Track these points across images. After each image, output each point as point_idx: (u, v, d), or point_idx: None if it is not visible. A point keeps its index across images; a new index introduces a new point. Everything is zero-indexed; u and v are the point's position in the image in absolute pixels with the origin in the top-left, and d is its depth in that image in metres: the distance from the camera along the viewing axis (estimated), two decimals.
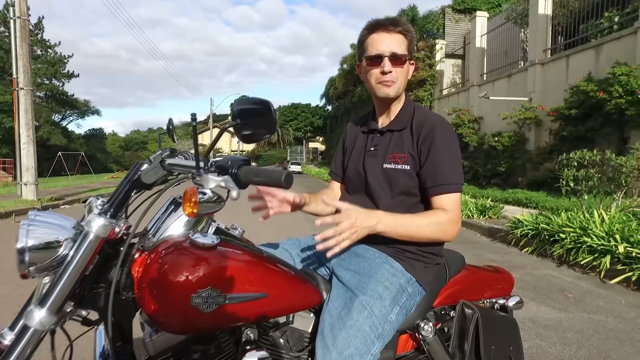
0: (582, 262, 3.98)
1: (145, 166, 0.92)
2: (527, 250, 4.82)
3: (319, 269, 1.25)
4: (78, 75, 33.25)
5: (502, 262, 4.39)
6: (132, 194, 0.92)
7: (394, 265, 1.13)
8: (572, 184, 4.80)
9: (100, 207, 0.88)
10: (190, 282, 0.83)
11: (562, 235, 4.40)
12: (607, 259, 3.78)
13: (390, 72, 1.19)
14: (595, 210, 4.57)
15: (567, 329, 2.60)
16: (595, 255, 3.95)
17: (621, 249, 3.76)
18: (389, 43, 1.18)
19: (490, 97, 10.75)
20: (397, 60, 1.18)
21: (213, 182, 0.76)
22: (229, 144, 59.09)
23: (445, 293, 1.34)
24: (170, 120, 1.18)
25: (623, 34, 8.60)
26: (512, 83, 11.81)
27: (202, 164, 0.79)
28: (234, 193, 0.73)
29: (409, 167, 1.17)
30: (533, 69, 10.78)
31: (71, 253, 0.81)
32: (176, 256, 0.86)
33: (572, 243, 4.24)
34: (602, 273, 3.74)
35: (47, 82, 31.55)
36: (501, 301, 1.49)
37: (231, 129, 0.80)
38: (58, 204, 9.32)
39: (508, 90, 11.79)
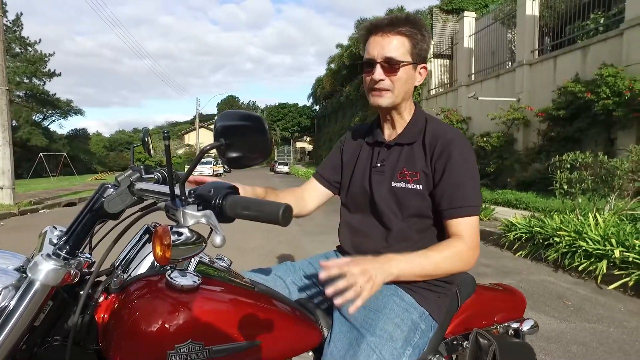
0: (578, 267, 3.91)
1: (109, 191, 0.76)
2: (521, 254, 4.75)
3: (317, 299, 1.10)
4: (60, 74, 32.41)
5: (497, 267, 4.31)
6: (96, 224, 0.76)
7: (404, 297, 0.99)
8: (565, 187, 4.74)
9: (54, 242, 0.72)
10: (166, 336, 0.68)
11: (557, 239, 4.34)
12: (604, 264, 3.71)
13: (382, 80, 1.04)
14: (589, 214, 4.52)
15: (571, 341, 2.50)
16: (591, 260, 3.88)
17: (617, 253, 3.69)
18: (382, 47, 1.04)
19: (479, 98, 10.75)
20: (391, 66, 1.04)
21: (191, 218, 0.60)
22: None
23: (456, 321, 1.21)
24: (146, 131, 1.02)
25: (609, 36, 8.65)
26: (500, 83, 11.83)
27: (177, 192, 0.63)
28: (217, 239, 0.57)
29: (421, 187, 1.03)
30: (521, 70, 10.82)
31: (12, 304, 0.64)
32: (149, 302, 0.71)
33: (567, 247, 4.18)
34: (599, 278, 3.67)
35: (27, 81, 30.67)
36: (515, 325, 1.37)
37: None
38: (37, 208, 8.97)
39: (496, 91, 11.81)
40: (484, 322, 1.30)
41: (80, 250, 0.74)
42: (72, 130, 43.43)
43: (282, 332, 0.85)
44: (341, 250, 1.19)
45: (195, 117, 40.90)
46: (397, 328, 0.93)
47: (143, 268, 0.77)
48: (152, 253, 0.60)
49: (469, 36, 14.02)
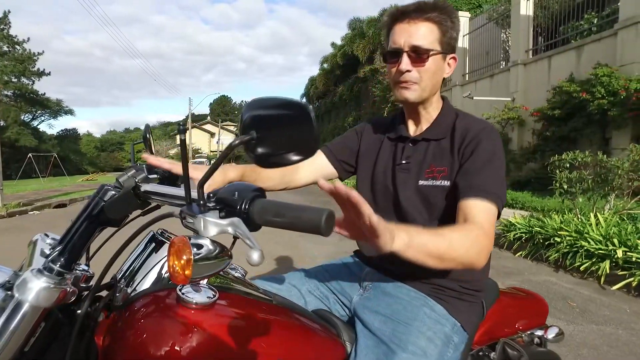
0: (580, 268, 3.87)
1: (111, 194, 0.66)
2: (521, 254, 4.71)
3: (336, 310, 1.02)
4: (49, 74, 31.92)
5: (498, 267, 4.26)
6: (95, 232, 0.66)
7: (434, 308, 0.91)
8: (565, 186, 4.71)
9: (46, 254, 0.62)
10: None
11: (557, 239, 4.30)
12: (606, 264, 3.68)
13: (409, 71, 0.96)
14: (591, 213, 4.49)
15: (581, 344, 2.45)
16: (593, 260, 3.85)
17: (620, 253, 3.66)
18: (409, 35, 0.95)
19: (474, 97, 10.74)
20: (419, 56, 0.95)
21: (214, 227, 0.50)
22: (208, 144, 57.94)
23: (481, 330, 1.13)
24: (147, 128, 0.93)
25: (604, 36, 8.68)
26: (495, 83, 11.85)
27: (194, 195, 0.54)
28: (254, 256, 0.47)
29: (448, 183, 0.95)
30: (515, 69, 10.84)
31: None
32: (158, 320, 0.62)
33: (568, 247, 4.14)
34: (602, 279, 3.64)
35: (15, 80, 30.16)
36: (539, 332, 1.30)
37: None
38: (26, 209, 8.76)
39: (490, 91, 11.82)
40: (508, 330, 1.23)
41: (76, 264, 0.64)
42: (62, 130, 42.87)
43: (304, 348, 0.76)
44: (360, 256, 1.10)
45: (187, 117, 40.57)
46: (431, 343, 0.85)
47: (149, 281, 0.68)
48: (167, 270, 0.51)
49: (463, 36, 14.02)
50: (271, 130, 0.51)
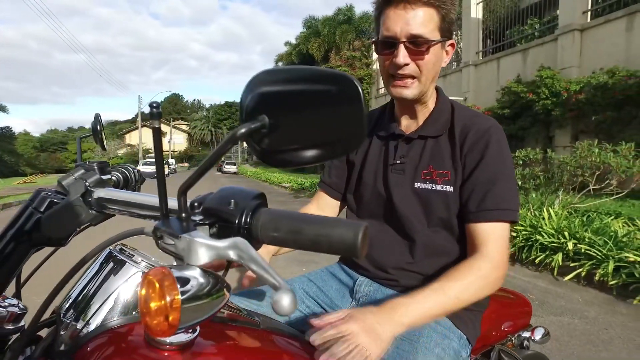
0: (535, 260, 4.03)
1: (49, 202, 0.50)
2: None
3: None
4: None
5: None
6: (29, 256, 0.50)
7: (440, 321, 0.83)
8: (520, 182, 4.91)
9: None
10: None
11: (514, 234, 4.46)
12: (559, 256, 3.86)
13: (407, 64, 0.85)
14: (544, 208, 4.70)
15: None
16: (547, 253, 4.02)
17: (570, 245, 3.85)
18: (407, 22, 0.83)
19: None
20: (418, 47, 0.84)
21: (207, 251, 0.35)
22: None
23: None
24: (98, 118, 0.77)
25: (546, 40, 9.23)
26: (448, 83, 12.25)
27: (174, 205, 0.39)
28: (284, 301, 0.32)
29: (452, 189, 0.86)
30: (467, 70, 11.26)
31: None
32: None
33: (524, 241, 4.31)
34: (555, 270, 3.81)
35: None
36: (526, 334, 1.27)
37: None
38: None
39: (444, 90, 12.16)
40: (497, 334, 1.19)
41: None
42: None
43: None
44: (349, 263, 1.00)
45: (137, 115, 38.64)
46: None
47: (104, 312, 0.53)
48: (140, 321, 0.36)
49: None
50: (291, 114, 0.36)
